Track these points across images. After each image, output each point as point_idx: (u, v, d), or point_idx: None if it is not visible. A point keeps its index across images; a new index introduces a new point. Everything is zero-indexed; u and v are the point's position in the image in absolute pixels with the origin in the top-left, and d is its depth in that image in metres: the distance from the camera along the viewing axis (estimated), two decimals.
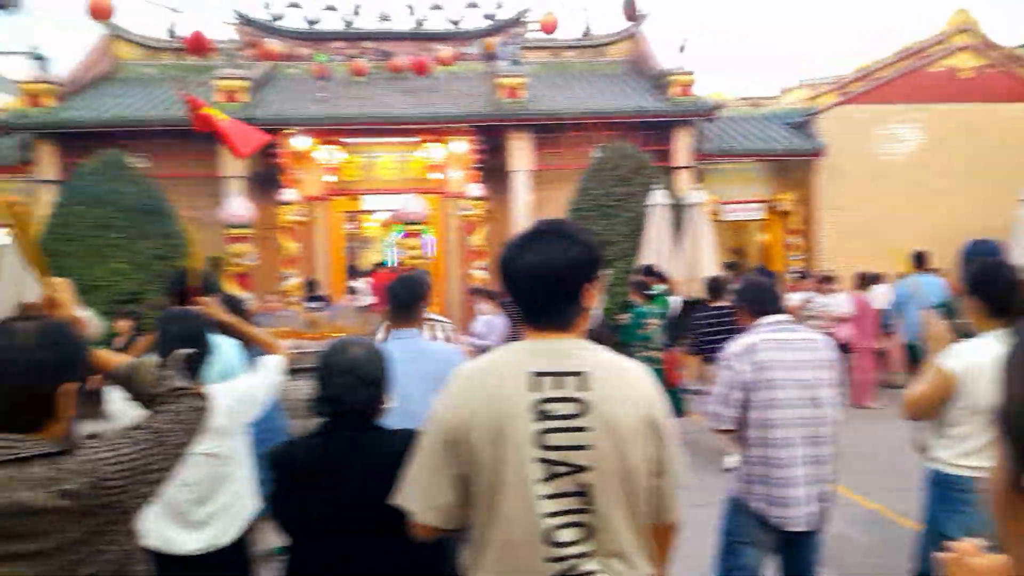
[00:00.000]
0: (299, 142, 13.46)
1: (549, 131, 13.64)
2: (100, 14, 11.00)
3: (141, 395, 1.73)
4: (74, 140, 12.81)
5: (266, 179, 13.89)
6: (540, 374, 1.69)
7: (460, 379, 1.76)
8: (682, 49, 13.81)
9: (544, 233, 1.77)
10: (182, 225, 10.96)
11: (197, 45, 11.14)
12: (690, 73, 13.73)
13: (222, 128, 9.04)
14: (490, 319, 7.72)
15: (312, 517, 2.15)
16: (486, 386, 1.70)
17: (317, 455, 2.18)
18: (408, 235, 9.51)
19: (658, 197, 10.67)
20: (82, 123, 12.50)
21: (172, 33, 15.82)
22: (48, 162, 12.78)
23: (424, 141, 13.84)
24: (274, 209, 13.38)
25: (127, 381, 1.73)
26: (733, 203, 14.31)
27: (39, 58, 13.16)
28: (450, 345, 4.27)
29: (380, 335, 3.92)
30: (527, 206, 13.41)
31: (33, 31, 19.19)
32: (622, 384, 1.72)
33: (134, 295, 9.31)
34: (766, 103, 16.70)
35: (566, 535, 1.64)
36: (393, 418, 2.29)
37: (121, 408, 2.80)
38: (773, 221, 15.18)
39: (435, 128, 13.44)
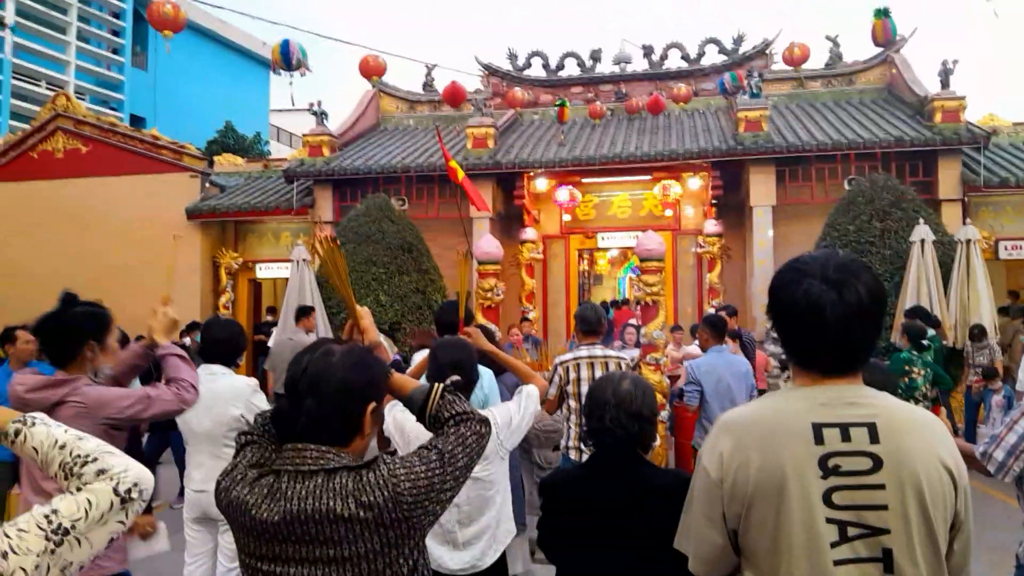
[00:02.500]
0: (539, 183, 13.99)
1: (794, 164, 12.99)
2: (371, 72, 12.25)
3: (430, 418, 1.81)
4: (346, 185, 14.32)
5: (508, 219, 14.55)
6: (824, 425, 1.54)
7: (731, 428, 1.64)
8: (949, 72, 12.52)
9: (848, 268, 1.60)
10: (434, 261, 11.81)
11: (453, 96, 12.02)
12: (960, 98, 12.39)
13: (464, 183, 9.71)
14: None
15: (576, 546, 2.16)
16: (763, 438, 1.57)
17: (585, 487, 2.18)
18: (644, 272, 9.42)
19: (922, 233, 9.68)
20: (353, 171, 13.93)
21: (427, 86, 17.23)
22: (324, 205, 14.38)
23: (658, 179, 13.77)
24: (515, 247, 13.98)
25: (419, 404, 1.82)
26: (1011, 239, 12.62)
27: (318, 114, 14.91)
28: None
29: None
30: (767, 242, 12.80)
31: (304, 88, 21.81)
32: (916, 434, 1.53)
33: (393, 325, 10.10)
34: None
35: None
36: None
37: (396, 424, 3.01)
38: None
39: (671, 165, 13.33)
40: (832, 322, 1.54)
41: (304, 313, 8.65)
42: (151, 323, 3.05)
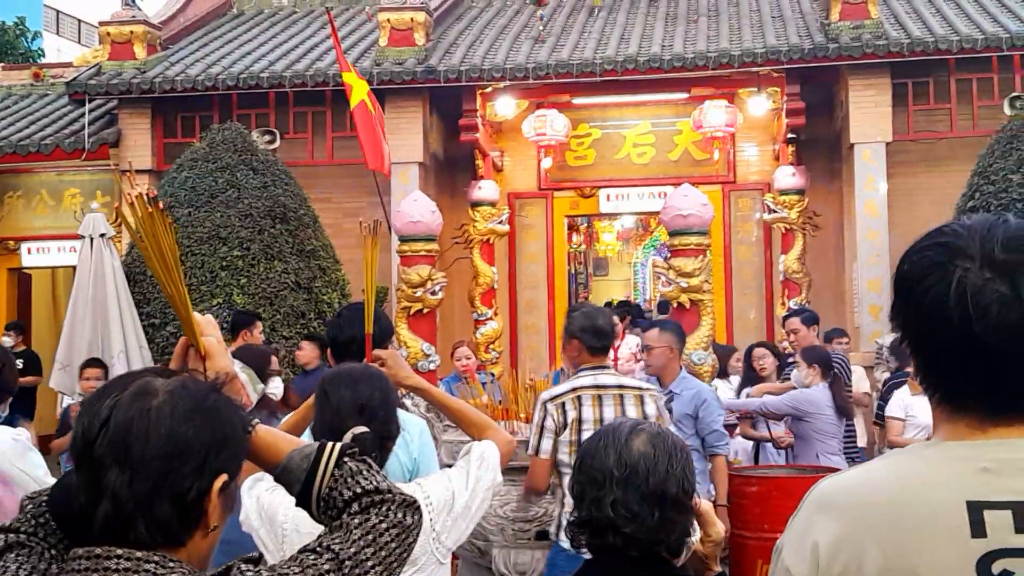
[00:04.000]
0: (503, 106, 13.99)
1: (920, 74, 13.15)
2: None
3: (319, 500, 1.81)
4: (174, 108, 14.18)
5: (451, 166, 14.53)
6: (987, 506, 1.56)
7: (834, 506, 1.66)
8: None
9: None
10: (328, 238, 11.75)
11: None
12: None
13: (358, 114, 9.63)
14: (811, 394, 7.54)
15: None
16: (886, 524, 1.59)
17: None
18: (676, 253, 9.45)
19: None
20: (187, 84, 13.79)
21: None
22: (137, 142, 14.23)
23: (699, 99, 13.83)
24: (462, 213, 13.98)
25: (301, 478, 1.82)
26: None
27: None
28: None
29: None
30: (879, 203, 12.95)
31: None
32: None
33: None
34: None
35: None
36: None
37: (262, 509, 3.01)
38: None
39: (721, 76, 13.39)
40: (1003, 331, 1.55)
41: (245, 324, 8.67)
42: None
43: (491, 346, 13.52)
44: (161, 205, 2.11)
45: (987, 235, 1.59)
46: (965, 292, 1.54)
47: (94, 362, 8.72)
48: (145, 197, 2.07)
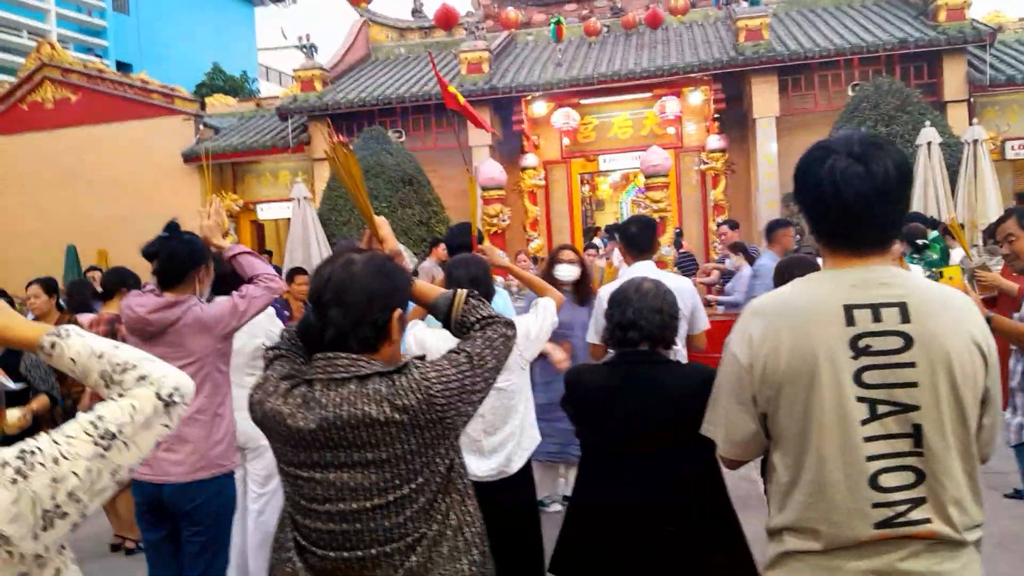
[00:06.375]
0: (538, 107, 13.75)
1: (796, 73, 12.73)
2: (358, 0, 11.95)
3: (455, 323, 1.83)
4: (340, 119, 14.10)
5: (507, 146, 14.38)
6: (855, 307, 1.53)
7: (762, 313, 1.64)
8: None
9: (872, 143, 1.58)
10: (436, 193, 11.71)
11: (445, 19, 11.73)
12: None
13: (465, 106, 9.48)
14: (743, 274, 7.41)
15: (600, 434, 2.22)
16: (794, 321, 1.57)
17: (606, 380, 2.26)
18: (650, 188, 9.38)
19: (928, 136, 9.56)
20: (347, 104, 13.72)
21: (416, 12, 16.81)
22: (320, 141, 14.15)
23: (658, 96, 13.52)
24: (516, 174, 13.85)
25: (444, 310, 1.83)
26: (1018, 139, 12.46)
27: (308, 47, 14.59)
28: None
29: None
30: (772, 155, 12.65)
31: (290, 24, 21.16)
32: (947, 313, 1.53)
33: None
34: None
35: (893, 479, 1.49)
36: None
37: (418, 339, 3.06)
38: None
39: (672, 81, 13.07)
40: (859, 196, 1.53)
41: (434, 243, 8.67)
42: (203, 226, 3.07)
43: (536, 253, 13.49)
44: (350, 146, 2.08)
45: (848, 139, 1.58)
46: (835, 172, 1.54)
47: (302, 271, 8.52)
48: (340, 141, 2.05)
